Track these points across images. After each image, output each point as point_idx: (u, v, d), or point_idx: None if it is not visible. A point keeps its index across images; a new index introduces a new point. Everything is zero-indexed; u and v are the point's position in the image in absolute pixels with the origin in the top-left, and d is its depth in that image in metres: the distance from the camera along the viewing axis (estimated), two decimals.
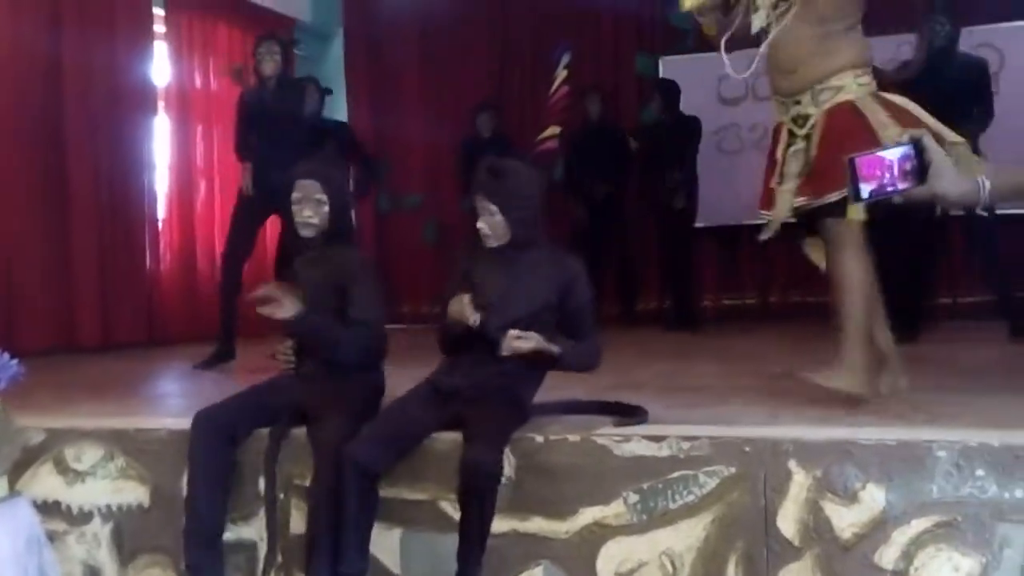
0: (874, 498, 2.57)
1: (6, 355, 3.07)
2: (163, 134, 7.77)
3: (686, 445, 2.76)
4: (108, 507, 3.33)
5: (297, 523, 3.06)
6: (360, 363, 3.20)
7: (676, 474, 2.75)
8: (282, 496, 3.10)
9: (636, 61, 8.62)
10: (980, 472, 2.51)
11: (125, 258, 7.18)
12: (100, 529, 3.33)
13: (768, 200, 3.48)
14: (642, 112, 7.99)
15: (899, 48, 6.90)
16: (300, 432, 3.07)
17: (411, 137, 9.04)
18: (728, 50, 3.47)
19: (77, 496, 3.36)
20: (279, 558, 3.08)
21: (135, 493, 3.31)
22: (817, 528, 2.62)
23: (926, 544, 2.53)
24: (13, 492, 3.34)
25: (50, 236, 6.62)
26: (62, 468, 3.39)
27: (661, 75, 8.21)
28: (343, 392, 3.09)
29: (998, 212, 5.33)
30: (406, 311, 8.47)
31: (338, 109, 8.54)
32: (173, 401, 4.45)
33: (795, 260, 3.43)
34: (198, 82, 8.06)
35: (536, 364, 2.98)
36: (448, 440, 2.93)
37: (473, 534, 2.74)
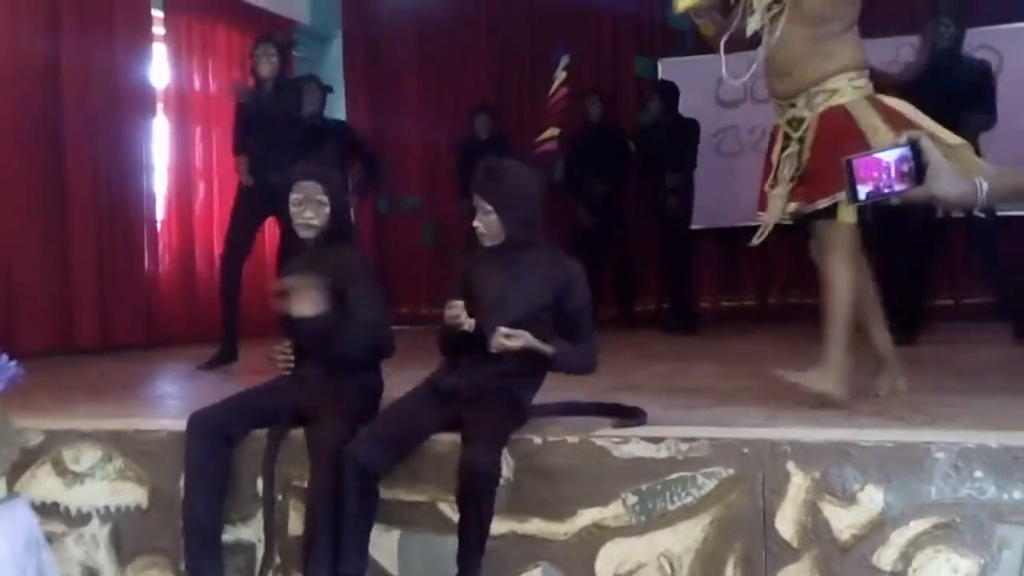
0: (872, 499, 2.58)
1: (5, 356, 3.07)
2: (162, 136, 7.77)
3: (684, 447, 2.76)
4: (107, 508, 3.33)
5: (295, 524, 3.06)
6: (367, 362, 3.22)
7: (675, 475, 2.75)
8: (280, 497, 3.10)
9: (635, 63, 8.62)
10: (979, 473, 2.51)
11: (124, 259, 7.18)
12: (98, 530, 3.33)
13: (764, 203, 3.49)
14: (641, 114, 7.99)
15: (899, 50, 6.91)
16: (298, 433, 3.07)
17: (410, 139, 9.05)
18: (727, 52, 3.47)
19: (76, 497, 3.36)
20: (277, 559, 3.08)
21: (133, 494, 3.30)
22: (815, 529, 2.62)
23: (924, 545, 2.53)
24: (11, 493, 3.35)
25: (49, 237, 6.62)
26: (61, 469, 3.39)
27: (660, 77, 8.21)
28: (342, 393, 3.09)
29: (999, 214, 5.33)
30: (405, 312, 8.47)
31: (337, 111, 8.55)
32: (172, 402, 4.44)
33: (794, 261, 3.44)
34: (197, 84, 8.06)
35: (531, 364, 2.97)
36: (447, 442, 2.93)
37: (472, 536, 2.74)
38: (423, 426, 2.97)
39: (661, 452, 2.77)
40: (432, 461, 2.95)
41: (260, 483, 3.07)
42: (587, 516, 2.82)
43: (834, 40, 3.32)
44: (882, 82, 3.59)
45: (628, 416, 3.03)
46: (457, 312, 2.92)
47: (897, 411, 3.14)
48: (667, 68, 8.36)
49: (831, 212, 3.26)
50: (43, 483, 3.40)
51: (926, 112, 3.30)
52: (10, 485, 3.40)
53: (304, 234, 3.22)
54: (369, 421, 2.99)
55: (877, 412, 3.14)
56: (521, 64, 9.00)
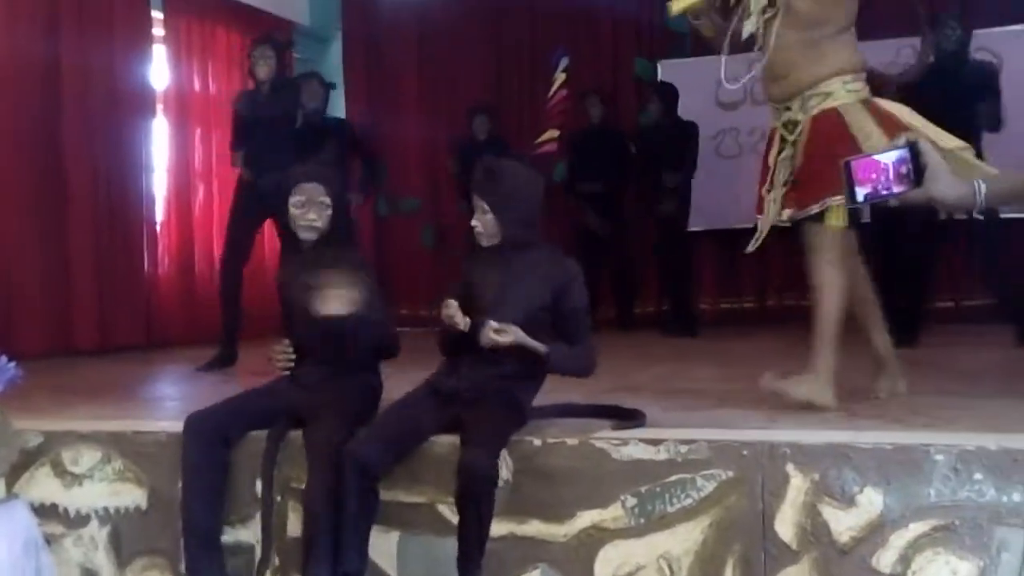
0: (872, 502, 2.57)
1: (4, 358, 3.07)
2: (162, 137, 7.77)
3: (684, 448, 2.75)
4: (105, 510, 3.33)
5: (294, 526, 3.06)
6: (367, 363, 3.23)
7: (674, 477, 2.74)
8: (279, 499, 3.10)
9: (635, 64, 8.63)
10: (978, 476, 2.51)
11: (123, 261, 7.18)
12: (97, 532, 3.33)
13: (762, 206, 3.48)
14: (640, 116, 7.99)
15: (899, 51, 6.91)
16: (297, 435, 3.07)
17: (410, 140, 9.05)
18: (727, 54, 3.47)
19: (75, 499, 3.36)
20: (276, 561, 3.08)
21: (132, 496, 3.30)
22: (815, 532, 2.62)
23: (924, 548, 2.53)
24: (10, 495, 3.35)
25: (48, 239, 6.62)
26: (59, 471, 3.38)
27: (659, 79, 8.21)
28: (341, 394, 3.09)
29: (1002, 216, 5.32)
30: (404, 314, 8.47)
31: (337, 112, 8.54)
32: (171, 404, 4.44)
33: (792, 264, 3.43)
34: (197, 85, 8.07)
35: (528, 364, 2.96)
36: (446, 443, 2.93)
37: (472, 538, 2.74)
38: (423, 427, 2.97)
39: (660, 454, 2.77)
40: (431, 463, 2.95)
41: (259, 484, 3.07)
42: (586, 518, 2.82)
43: (828, 43, 3.31)
44: (883, 84, 3.58)
45: (627, 418, 3.03)
46: (452, 312, 2.93)
47: (896, 413, 3.14)
48: (667, 70, 8.36)
49: (820, 216, 3.26)
50: (42, 484, 3.40)
51: (932, 114, 3.29)
52: (9, 486, 3.40)
53: (306, 236, 3.21)
54: (368, 422, 2.99)
55: (876, 414, 3.14)
56: (521, 66, 9.00)
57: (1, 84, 6.36)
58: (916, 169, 2.05)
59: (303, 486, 2.95)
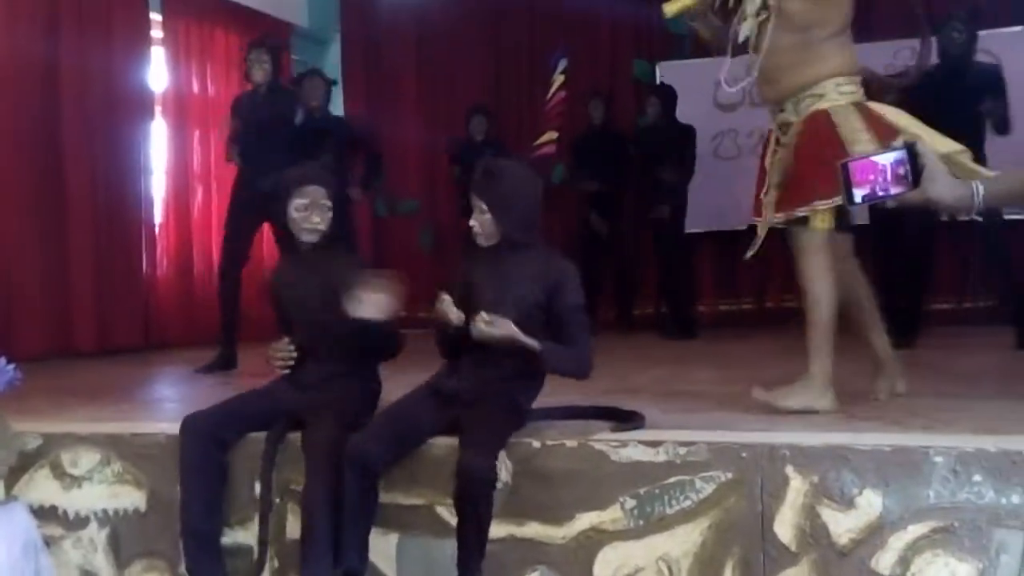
0: (871, 503, 2.57)
1: (3, 360, 3.08)
2: (160, 139, 7.78)
3: (683, 450, 2.75)
4: (105, 512, 3.32)
5: (293, 528, 3.05)
6: (366, 364, 3.24)
7: (673, 479, 2.74)
8: (279, 501, 3.10)
9: (633, 66, 8.63)
10: (977, 477, 2.51)
11: (122, 262, 7.18)
12: (97, 534, 3.33)
13: (759, 209, 3.48)
14: (639, 118, 8.00)
15: (897, 54, 6.91)
16: (296, 437, 3.06)
17: (408, 142, 9.04)
18: (726, 55, 3.47)
19: (74, 501, 3.36)
20: (276, 563, 3.08)
21: (131, 498, 3.30)
22: (814, 533, 2.62)
23: (923, 550, 2.53)
24: (10, 497, 3.35)
25: (47, 240, 6.62)
26: (59, 473, 3.38)
27: (658, 80, 8.21)
28: (340, 396, 3.09)
29: (1007, 217, 5.32)
30: (403, 316, 8.45)
31: (336, 113, 8.53)
32: (170, 406, 4.44)
33: (791, 265, 3.42)
34: (195, 87, 8.07)
35: (523, 361, 2.94)
36: (444, 445, 2.93)
37: (471, 540, 2.74)
38: (423, 427, 2.97)
39: (659, 456, 2.77)
40: (429, 464, 2.95)
41: (258, 486, 3.07)
42: (585, 520, 2.82)
43: (822, 46, 3.30)
44: (882, 87, 3.57)
45: (626, 420, 3.02)
46: (445, 307, 2.93)
47: (895, 415, 3.14)
48: (665, 71, 8.37)
49: (806, 218, 3.25)
50: (41, 486, 3.39)
51: (938, 116, 3.28)
52: (8, 489, 3.40)
53: (308, 239, 3.21)
54: (367, 423, 2.98)
55: (875, 416, 3.14)
56: (519, 68, 9.01)
57: (0, 86, 6.35)
58: (914, 170, 2.06)
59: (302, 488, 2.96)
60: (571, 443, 2.87)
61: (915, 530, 2.53)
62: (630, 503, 2.77)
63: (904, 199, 2.13)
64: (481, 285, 3.03)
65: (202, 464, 3.04)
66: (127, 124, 7.29)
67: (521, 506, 2.87)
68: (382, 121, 8.99)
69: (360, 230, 8.28)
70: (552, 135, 7.57)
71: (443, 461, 2.87)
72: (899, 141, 2.09)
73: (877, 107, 3.30)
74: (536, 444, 2.90)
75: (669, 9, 3.48)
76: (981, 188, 2.12)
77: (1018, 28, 7.31)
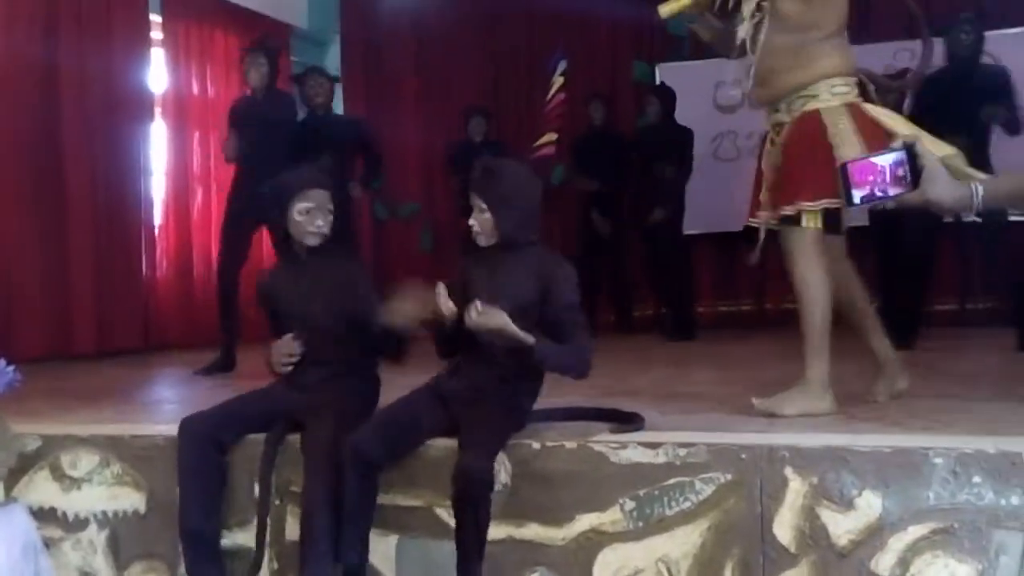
0: (870, 505, 2.57)
1: (2, 361, 3.08)
2: (160, 140, 7.78)
3: (682, 452, 2.75)
4: (104, 513, 3.32)
5: (292, 529, 3.05)
6: (365, 365, 3.26)
7: (672, 481, 2.74)
8: (278, 502, 3.10)
9: (633, 67, 8.63)
10: (977, 479, 2.51)
11: (121, 264, 7.18)
12: (96, 536, 3.33)
13: (755, 210, 3.48)
14: (639, 119, 8.00)
15: (896, 55, 6.91)
16: (295, 438, 3.07)
17: (408, 144, 9.05)
18: (727, 57, 3.47)
19: (73, 503, 3.36)
20: (275, 565, 3.08)
21: (131, 499, 3.30)
22: (813, 535, 2.62)
23: (923, 551, 2.52)
24: (9, 499, 3.36)
25: (46, 242, 6.62)
26: (58, 475, 3.38)
27: (658, 82, 8.21)
28: (338, 397, 3.09)
29: (1012, 219, 5.31)
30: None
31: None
32: (169, 407, 4.44)
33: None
34: (195, 88, 8.07)
35: (520, 359, 2.93)
36: (443, 446, 2.93)
37: (470, 541, 2.73)
38: (423, 425, 2.97)
39: (659, 457, 2.77)
40: (428, 465, 2.95)
41: (257, 487, 3.07)
42: (585, 521, 2.81)
43: (816, 47, 3.28)
44: (882, 88, 3.56)
45: (626, 421, 3.02)
46: (442, 299, 2.92)
47: (895, 416, 3.14)
48: (665, 73, 8.37)
49: (796, 218, 3.24)
50: (40, 488, 3.39)
51: (945, 118, 3.26)
52: (8, 490, 3.40)
53: (311, 242, 3.20)
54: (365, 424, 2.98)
55: (875, 417, 3.13)
56: (518, 69, 9.01)
57: (0, 86, 6.35)
58: (913, 171, 2.06)
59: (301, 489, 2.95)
60: (571, 444, 2.87)
61: (915, 531, 2.53)
62: (630, 504, 2.77)
63: (903, 200, 2.13)
64: (478, 283, 3.02)
65: (201, 466, 3.04)
66: (127, 125, 7.28)
67: (521, 507, 2.87)
68: (381, 122, 8.98)
69: (361, 233, 8.29)
70: (551, 136, 7.57)
71: (442, 462, 2.87)
72: (898, 142, 2.09)
73: (871, 109, 3.28)
74: (536, 445, 2.90)
75: (665, 10, 3.48)
76: (980, 189, 2.12)
77: (1018, 29, 7.31)
